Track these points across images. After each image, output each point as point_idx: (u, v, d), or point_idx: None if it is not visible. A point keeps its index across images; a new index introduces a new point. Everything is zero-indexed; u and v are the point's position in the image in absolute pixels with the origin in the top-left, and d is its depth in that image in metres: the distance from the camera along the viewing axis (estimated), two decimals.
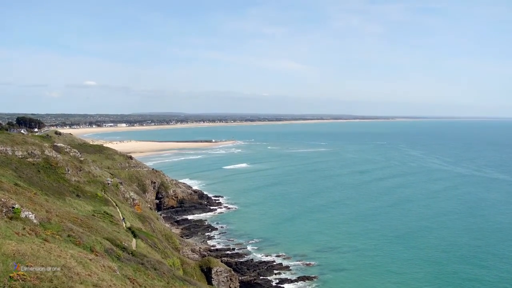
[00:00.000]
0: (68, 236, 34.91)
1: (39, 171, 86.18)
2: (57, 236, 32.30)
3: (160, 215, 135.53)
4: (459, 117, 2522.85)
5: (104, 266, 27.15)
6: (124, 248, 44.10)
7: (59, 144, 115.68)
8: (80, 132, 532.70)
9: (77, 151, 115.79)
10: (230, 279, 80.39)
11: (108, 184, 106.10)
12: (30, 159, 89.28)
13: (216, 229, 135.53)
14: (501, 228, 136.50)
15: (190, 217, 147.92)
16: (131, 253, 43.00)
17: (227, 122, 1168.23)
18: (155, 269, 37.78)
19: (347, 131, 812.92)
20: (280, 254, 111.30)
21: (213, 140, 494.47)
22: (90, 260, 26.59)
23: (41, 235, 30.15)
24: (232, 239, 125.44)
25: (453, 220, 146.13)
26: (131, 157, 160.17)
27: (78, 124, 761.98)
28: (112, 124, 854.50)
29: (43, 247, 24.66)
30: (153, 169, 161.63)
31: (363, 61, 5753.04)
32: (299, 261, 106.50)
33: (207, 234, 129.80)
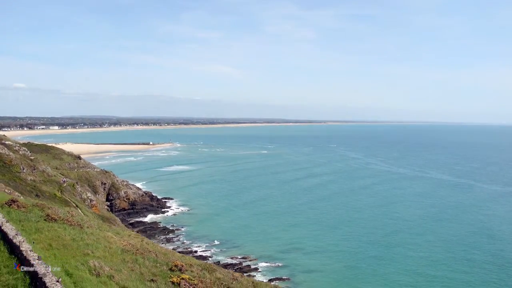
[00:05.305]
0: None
1: None
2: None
3: None
4: (392, 121, 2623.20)
5: None
6: None
7: (7, 142, 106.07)
8: (12, 135, 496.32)
9: (26, 150, 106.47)
10: None
11: (64, 184, 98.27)
12: None
13: (173, 231, 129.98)
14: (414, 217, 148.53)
15: (143, 219, 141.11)
16: None
17: (161, 125, 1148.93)
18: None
19: (282, 135, 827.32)
20: (245, 255, 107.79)
21: (151, 143, 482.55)
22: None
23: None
24: (191, 241, 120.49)
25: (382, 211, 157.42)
26: (79, 157, 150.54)
27: (8, 127, 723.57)
28: (44, 127, 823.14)
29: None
30: (103, 169, 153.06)
31: (296, 65, 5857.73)
32: (266, 262, 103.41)
33: (164, 236, 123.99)
